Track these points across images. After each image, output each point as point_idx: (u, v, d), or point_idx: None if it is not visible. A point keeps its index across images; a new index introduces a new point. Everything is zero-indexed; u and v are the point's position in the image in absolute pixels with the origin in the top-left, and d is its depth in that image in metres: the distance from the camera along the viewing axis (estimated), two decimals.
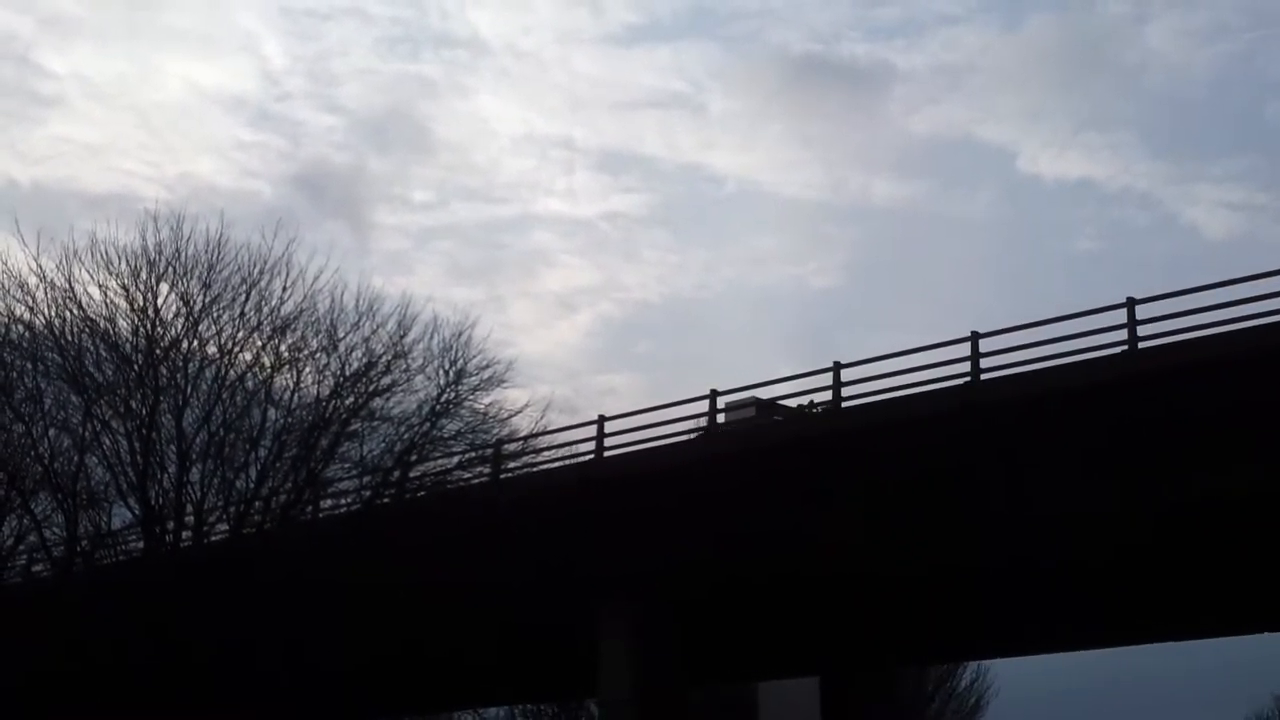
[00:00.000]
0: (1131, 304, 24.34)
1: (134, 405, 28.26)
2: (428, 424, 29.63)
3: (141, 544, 28.87)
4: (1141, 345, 24.16)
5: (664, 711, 29.64)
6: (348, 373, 29.12)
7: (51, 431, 29.00)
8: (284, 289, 28.80)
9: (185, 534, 28.42)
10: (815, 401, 28.26)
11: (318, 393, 29.24)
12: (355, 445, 29.53)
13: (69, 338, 28.54)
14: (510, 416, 30.50)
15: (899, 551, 26.78)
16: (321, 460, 29.16)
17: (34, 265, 28.48)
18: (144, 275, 28.50)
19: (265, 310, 28.82)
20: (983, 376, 25.70)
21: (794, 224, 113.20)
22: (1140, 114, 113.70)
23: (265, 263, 28.73)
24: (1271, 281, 23.57)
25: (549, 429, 31.04)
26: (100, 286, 28.54)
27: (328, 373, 29.17)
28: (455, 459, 30.70)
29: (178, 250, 28.54)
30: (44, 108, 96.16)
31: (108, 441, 28.54)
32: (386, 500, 29.61)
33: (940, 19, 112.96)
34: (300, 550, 27.01)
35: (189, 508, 28.37)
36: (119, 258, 28.54)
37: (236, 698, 27.67)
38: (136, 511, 28.70)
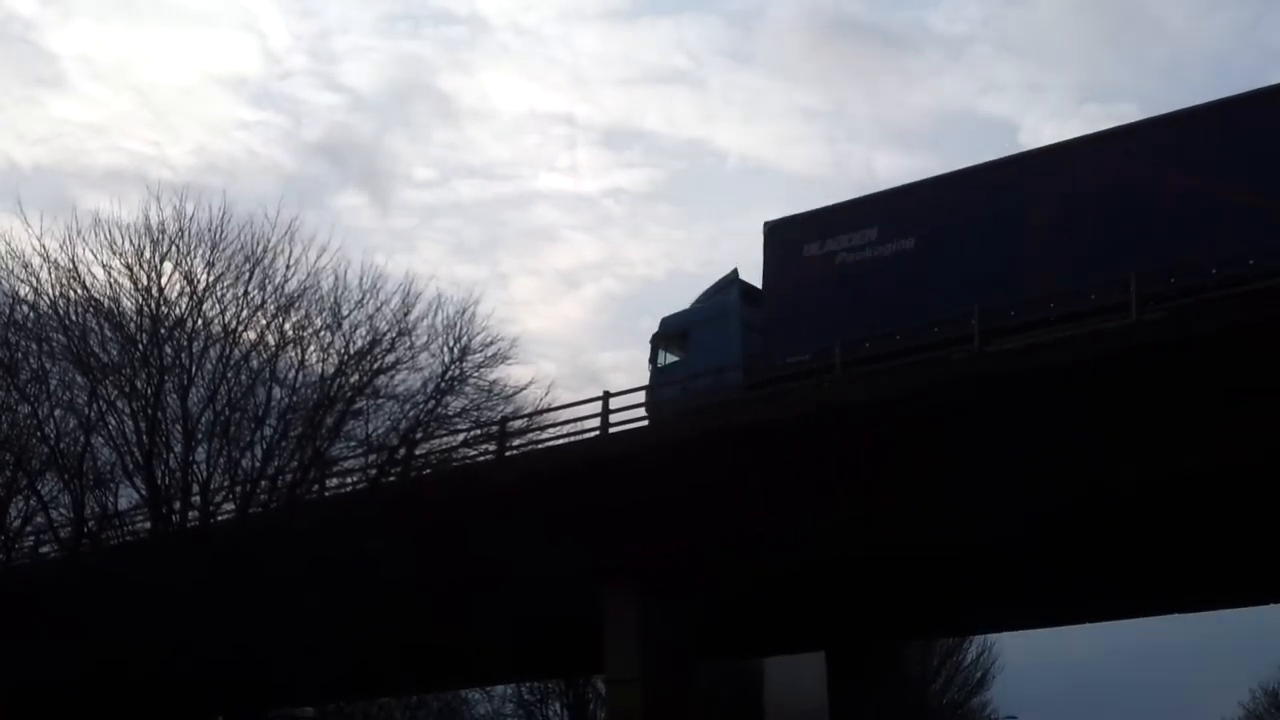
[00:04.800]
0: (1134, 277, 24.24)
1: (139, 385, 28.30)
2: (432, 401, 29.69)
3: (148, 524, 28.94)
4: (1144, 317, 24.11)
5: (670, 689, 29.66)
6: (352, 350, 29.17)
7: (57, 412, 29.10)
8: (288, 267, 28.84)
9: (192, 514, 28.46)
10: None
11: (322, 371, 29.32)
12: (360, 423, 29.63)
13: (73, 318, 28.59)
14: (515, 393, 30.53)
15: (904, 525, 26.77)
16: (327, 438, 29.21)
17: (38, 245, 28.56)
18: (148, 254, 28.55)
19: (269, 288, 28.90)
20: (985, 349, 25.67)
21: (797, 198, 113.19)
22: (1142, 84, 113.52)
23: (269, 241, 28.77)
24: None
25: (554, 406, 31.09)
26: (104, 266, 28.62)
27: (332, 350, 29.25)
28: (460, 436, 30.74)
29: (181, 229, 28.59)
30: (45, 88, 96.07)
31: (113, 421, 28.61)
32: (392, 478, 29.63)
33: None
34: (306, 529, 27.05)
35: (195, 487, 28.41)
36: (122, 237, 28.60)
37: (241, 676, 27.74)
38: (143, 492, 28.77)
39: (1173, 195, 24.64)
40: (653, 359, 30.71)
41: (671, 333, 30.62)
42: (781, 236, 29.16)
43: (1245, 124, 24.55)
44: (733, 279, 30.83)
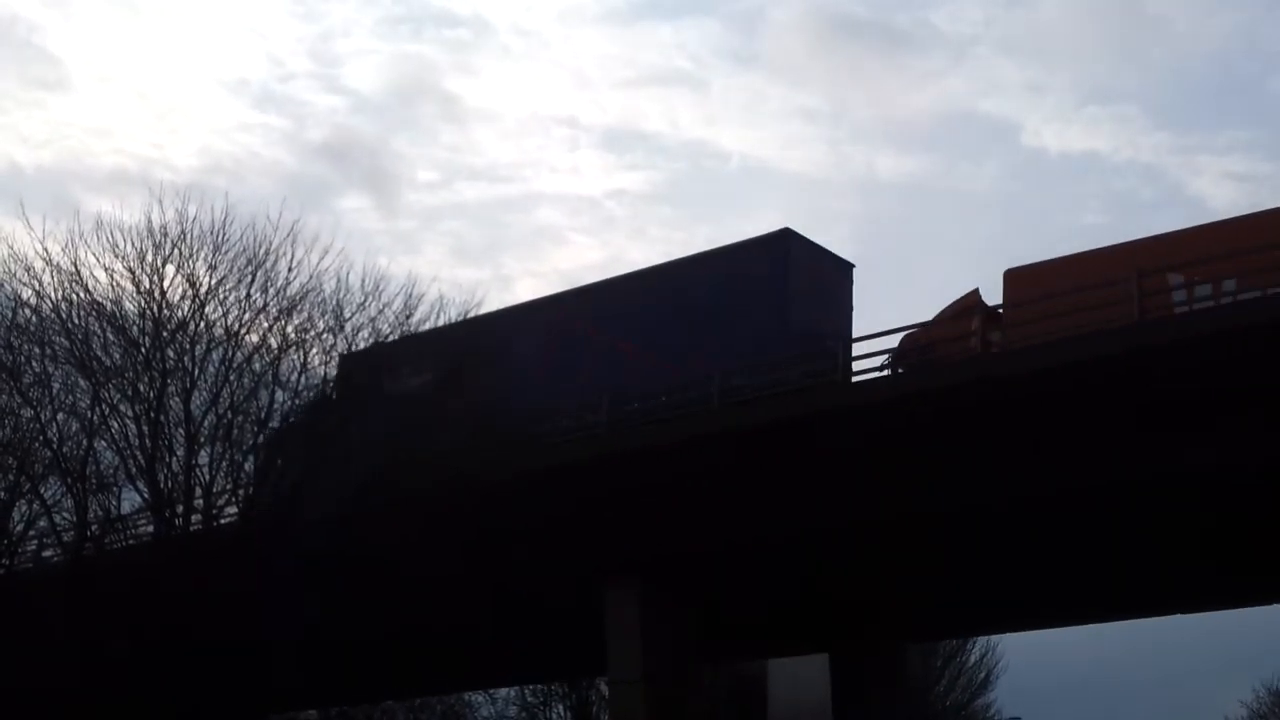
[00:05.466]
0: (1139, 275, 24.26)
1: (142, 388, 28.32)
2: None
3: (151, 528, 28.94)
4: (1149, 318, 24.10)
5: (672, 691, 29.66)
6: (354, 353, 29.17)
7: (60, 416, 29.11)
8: (290, 269, 28.86)
9: (195, 517, 28.47)
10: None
11: (324, 373, 29.32)
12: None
13: (76, 321, 28.62)
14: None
15: (907, 524, 26.79)
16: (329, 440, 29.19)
17: (40, 248, 28.59)
18: (150, 257, 28.57)
19: (271, 291, 28.90)
20: (991, 350, 25.69)
21: (798, 199, 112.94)
22: (1144, 86, 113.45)
23: (271, 243, 28.79)
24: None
25: None
26: (106, 269, 28.66)
27: (334, 353, 29.25)
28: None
29: (183, 232, 28.61)
30: (48, 91, 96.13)
31: (116, 425, 28.63)
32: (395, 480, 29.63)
33: None
34: (308, 531, 27.05)
35: (198, 490, 28.42)
36: (125, 240, 28.62)
37: (244, 678, 27.75)
38: (145, 495, 28.76)
39: (594, 346, 30.33)
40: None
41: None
42: (348, 368, 31.94)
43: (636, 296, 30.50)
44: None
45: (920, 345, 26.93)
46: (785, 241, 29.19)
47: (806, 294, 28.76)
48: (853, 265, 30.12)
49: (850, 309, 29.69)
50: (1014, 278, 26.64)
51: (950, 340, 26.59)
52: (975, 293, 26.84)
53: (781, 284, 28.69)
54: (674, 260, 31.41)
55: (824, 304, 29.12)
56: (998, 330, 26.15)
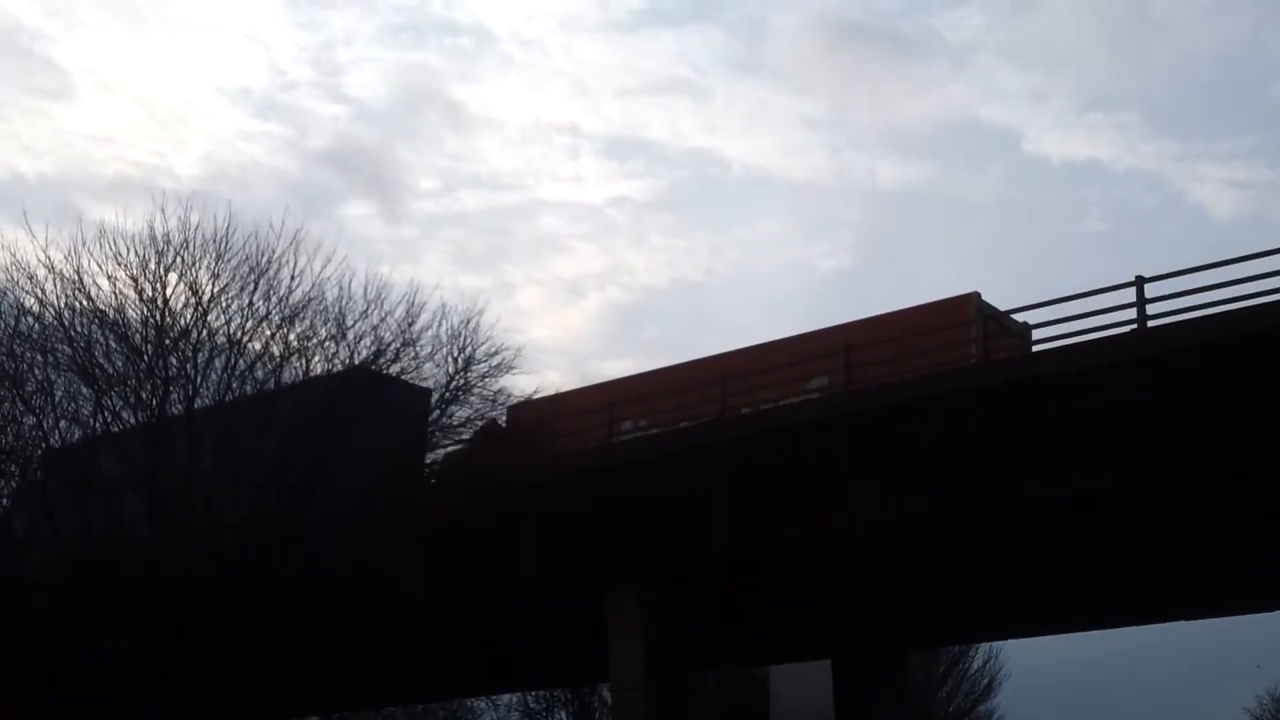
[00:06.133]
0: (1140, 283, 24.26)
1: (144, 396, 28.35)
2: (436, 411, 29.72)
3: (153, 534, 28.94)
4: (1151, 324, 24.09)
5: (675, 697, 29.64)
6: (357, 361, 29.21)
7: (62, 423, 29.12)
8: (292, 277, 28.93)
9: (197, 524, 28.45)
10: None
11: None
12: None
13: (78, 329, 28.68)
14: (519, 403, 30.61)
15: (909, 533, 26.78)
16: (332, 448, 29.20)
17: (43, 256, 28.67)
18: (153, 265, 28.62)
19: (274, 299, 28.97)
20: (992, 359, 25.71)
21: (801, 207, 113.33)
22: (1145, 93, 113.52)
23: (273, 251, 28.85)
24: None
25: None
26: (109, 277, 28.74)
27: (337, 361, 29.30)
28: (465, 446, 30.77)
29: (186, 239, 28.68)
30: (51, 99, 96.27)
31: (118, 432, 28.61)
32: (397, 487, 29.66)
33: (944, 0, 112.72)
34: (312, 537, 27.06)
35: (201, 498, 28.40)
36: (127, 248, 28.67)
37: (247, 685, 27.76)
38: (148, 502, 28.75)
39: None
40: None
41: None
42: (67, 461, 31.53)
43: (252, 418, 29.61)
44: None
45: (463, 466, 30.61)
46: (364, 374, 31.61)
47: (384, 419, 30.98)
48: (430, 391, 33.07)
49: (426, 428, 32.55)
50: (513, 411, 31.71)
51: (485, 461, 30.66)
52: (494, 421, 31.72)
53: (361, 411, 30.26)
54: (280, 387, 31.66)
55: (400, 426, 31.24)
56: (509, 452, 30.42)
